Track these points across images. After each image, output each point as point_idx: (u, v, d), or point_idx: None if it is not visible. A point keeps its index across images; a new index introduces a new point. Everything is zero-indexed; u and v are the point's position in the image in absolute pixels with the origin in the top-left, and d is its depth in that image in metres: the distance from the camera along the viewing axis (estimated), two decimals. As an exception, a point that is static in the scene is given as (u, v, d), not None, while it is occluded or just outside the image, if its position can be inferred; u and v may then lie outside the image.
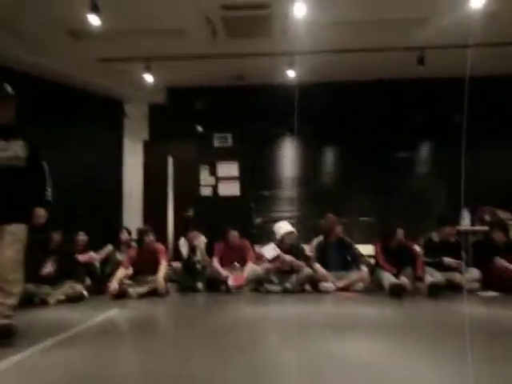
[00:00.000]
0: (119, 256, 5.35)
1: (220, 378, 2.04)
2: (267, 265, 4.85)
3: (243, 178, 6.81)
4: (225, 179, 6.82)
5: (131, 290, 4.59)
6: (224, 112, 6.83)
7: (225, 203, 6.66)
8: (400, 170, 6.71)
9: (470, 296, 4.32)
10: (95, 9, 4.16)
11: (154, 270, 4.71)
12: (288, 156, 6.95)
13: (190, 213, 6.69)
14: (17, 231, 2.74)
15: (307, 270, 4.76)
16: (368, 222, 6.54)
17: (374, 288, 4.63)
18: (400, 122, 6.68)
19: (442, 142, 6.62)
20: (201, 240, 5.28)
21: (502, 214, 5.94)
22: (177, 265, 5.26)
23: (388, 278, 4.45)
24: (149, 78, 5.82)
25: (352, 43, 5.40)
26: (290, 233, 4.95)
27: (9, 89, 2.86)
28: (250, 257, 5.12)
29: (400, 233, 4.75)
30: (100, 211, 5.94)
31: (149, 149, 6.98)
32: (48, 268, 4.40)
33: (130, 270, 4.80)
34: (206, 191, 6.83)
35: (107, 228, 5.72)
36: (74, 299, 4.32)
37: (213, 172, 6.86)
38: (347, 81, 6.47)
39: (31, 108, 5.50)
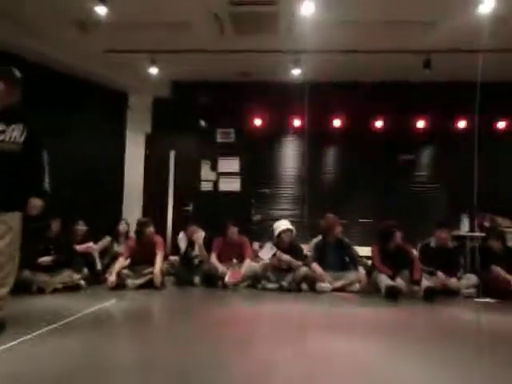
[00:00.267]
0: (117, 247, 5.36)
1: (214, 371, 2.05)
2: (265, 261, 4.87)
3: (244, 175, 6.82)
4: (226, 175, 6.83)
5: (129, 281, 4.61)
6: (227, 107, 6.82)
7: (225, 199, 6.67)
8: (401, 173, 6.71)
9: (466, 301, 4.34)
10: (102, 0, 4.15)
11: (152, 261, 4.74)
12: (290, 154, 6.95)
13: (190, 207, 6.70)
14: (9, 221, 2.63)
15: (304, 269, 4.77)
16: (367, 223, 6.55)
17: (371, 290, 4.64)
18: (403, 125, 6.67)
19: (445, 147, 6.62)
20: (200, 235, 5.29)
21: (502, 221, 5.94)
22: (174, 258, 5.27)
23: (384, 280, 4.45)
24: (154, 70, 5.81)
25: (358, 44, 5.39)
26: (287, 230, 4.95)
27: (17, 73, 2.83)
28: (248, 253, 5.12)
29: (398, 236, 4.75)
30: (100, 202, 5.94)
31: (151, 142, 6.98)
32: (48, 258, 4.42)
33: (129, 261, 4.81)
34: (206, 186, 6.84)
35: (107, 219, 5.72)
36: (71, 288, 4.34)
37: (214, 167, 6.86)
38: (352, 81, 6.45)
39: (35, 97, 5.49)
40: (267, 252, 4.88)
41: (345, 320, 3.44)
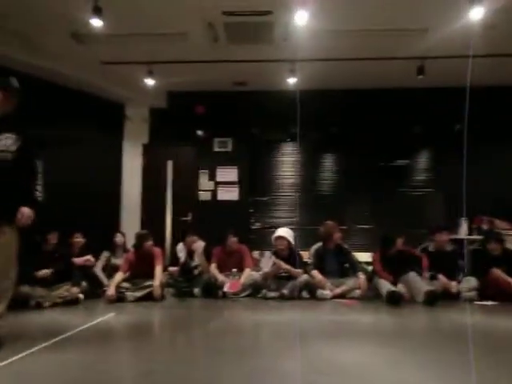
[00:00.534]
0: (114, 260, 5.32)
1: (216, 382, 2.03)
2: (265, 270, 4.86)
3: (242, 184, 6.82)
4: (224, 184, 6.83)
5: (128, 294, 4.57)
6: (224, 117, 6.85)
7: (223, 208, 6.66)
8: (399, 178, 6.74)
9: (466, 305, 4.33)
10: (98, 12, 4.17)
11: (151, 273, 4.70)
12: (288, 162, 6.97)
13: (189, 217, 6.69)
14: (4, 235, 2.58)
15: (305, 277, 4.75)
16: (366, 229, 6.55)
17: (372, 295, 4.62)
18: (400, 131, 6.72)
19: (441, 151, 6.66)
20: (199, 245, 5.27)
21: (500, 224, 5.95)
22: (174, 269, 5.24)
23: (385, 285, 4.44)
24: (150, 81, 5.84)
25: (353, 52, 5.44)
26: (280, 238, 4.93)
27: (15, 83, 2.83)
28: (248, 263, 5.10)
29: (399, 242, 4.75)
30: (98, 214, 5.92)
31: (148, 152, 6.98)
32: (45, 270, 4.38)
33: (127, 274, 4.78)
34: (204, 196, 6.84)
35: (104, 231, 5.69)
36: (69, 302, 4.29)
37: (212, 177, 6.87)
38: (348, 89, 6.51)
39: (31, 108, 5.51)
40: (267, 261, 4.87)
41: (346, 327, 3.42)
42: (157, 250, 4.95)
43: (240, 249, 5.20)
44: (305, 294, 4.78)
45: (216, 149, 6.92)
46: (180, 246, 5.39)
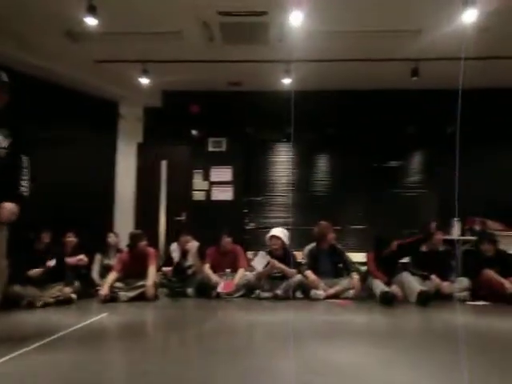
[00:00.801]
0: (107, 260, 5.29)
1: (209, 382, 2.03)
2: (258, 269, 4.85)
3: (237, 183, 6.82)
4: (218, 184, 6.82)
5: (121, 294, 4.55)
6: (219, 117, 6.84)
7: (218, 208, 6.65)
8: (393, 179, 6.78)
9: (459, 305, 4.36)
10: (92, 10, 4.15)
11: (144, 273, 4.68)
12: (282, 162, 6.97)
13: (183, 217, 6.67)
14: None
15: (298, 277, 4.75)
16: (360, 229, 6.58)
17: (366, 296, 4.64)
18: (394, 132, 6.76)
19: (434, 153, 6.70)
20: (193, 245, 5.25)
21: (492, 225, 6.00)
22: (167, 269, 5.21)
23: (379, 286, 4.46)
24: (144, 80, 5.81)
25: (348, 53, 5.46)
26: (274, 237, 4.94)
27: (5, 77, 2.79)
28: (241, 263, 5.09)
29: (395, 244, 4.77)
30: (91, 213, 5.88)
31: (142, 151, 6.94)
32: (38, 270, 4.35)
33: (121, 274, 4.76)
34: (198, 196, 6.82)
35: (97, 231, 5.65)
36: (62, 302, 4.26)
37: (206, 176, 6.85)
38: (342, 90, 6.53)
39: (24, 106, 5.47)
40: (260, 261, 4.86)
41: (340, 327, 3.42)
42: (151, 250, 4.94)
43: (234, 249, 5.19)
44: (298, 294, 4.78)
45: (210, 148, 6.91)
46: (174, 246, 5.37)
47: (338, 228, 5.57)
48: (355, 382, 2.07)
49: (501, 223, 6.10)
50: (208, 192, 6.82)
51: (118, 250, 5.35)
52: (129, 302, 4.50)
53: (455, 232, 6.17)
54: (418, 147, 6.86)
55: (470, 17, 4.19)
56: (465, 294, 4.56)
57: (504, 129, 6.55)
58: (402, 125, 6.75)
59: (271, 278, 4.84)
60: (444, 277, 4.69)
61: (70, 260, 4.89)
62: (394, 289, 4.43)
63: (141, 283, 4.64)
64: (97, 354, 2.59)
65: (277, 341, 2.99)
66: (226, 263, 5.09)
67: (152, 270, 4.75)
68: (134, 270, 4.76)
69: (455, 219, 6.14)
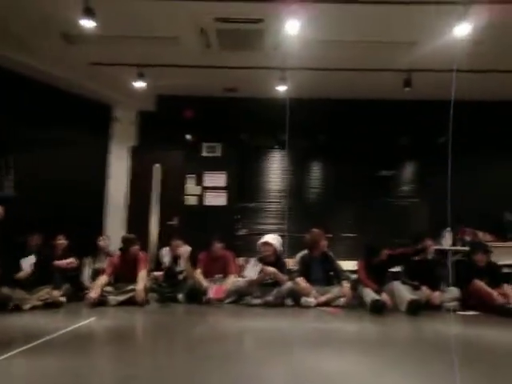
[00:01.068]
0: (97, 264, 5.24)
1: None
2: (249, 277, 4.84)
3: (230, 189, 6.81)
4: (211, 189, 6.81)
5: (111, 298, 4.51)
6: (214, 122, 6.85)
7: (210, 213, 6.64)
8: (385, 188, 6.83)
9: (448, 314, 4.37)
10: (89, 13, 4.15)
11: (135, 278, 4.65)
12: (276, 169, 6.99)
13: (175, 222, 6.64)
14: None
15: (290, 284, 4.74)
16: (352, 238, 6.60)
17: (356, 304, 4.64)
18: (386, 142, 6.82)
19: (427, 163, 6.77)
20: (184, 250, 5.22)
21: (483, 236, 6.06)
22: (158, 274, 5.18)
23: (369, 294, 4.47)
24: (139, 84, 5.81)
25: (342, 62, 5.51)
26: (266, 244, 4.93)
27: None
28: (232, 269, 5.08)
29: (384, 253, 4.78)
30: (82, 216, 5.84)
31: (136, 155, 6.92)
32: (26, 269, 4.29)
33: (111, 278, 4.72)
34: (191, 200, 6.80)
35: (88, 234, 5.60)
36: (50, 305, 4.21)
37: (199, 181, 6.84)
38: (337, 98, 6.59)
39: (19, 108, 5.45)
40: (252, 270, 4.84)
41: (330, 334, 3.42)
42: (142, 255, 4.90)
43: (225, 255, 5.18)
44: (289, 301, 4.77)
45: (204, 153, 6.91)
46: (165, 251, 5.34)
47: (330, 236, 5.57)
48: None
49: (491, 234, 6.16)
50: (201, 197, 6.81)
51: (109, 254, 5.31)
52: (118, 307, 4.45)
53: (446, 242, 6.22)
54: (411, 157, 6.93)
55: (463, 30, 4.26)
56: (455, 303, 4.58)
57: (496, 141, 6.64)
58: (395, 135, 6.82)
59: (262, 285, 4.82)
60: (434, 286, 4.71)
61: (60, 263, 4.85)
62: (384, 297, 4.44)
63: (131, 287, 4.60)
64: (84, 359, 2.55)
65: (267, 348, 2.97)
66: (217, 269, 5.07)
67: (143, 275, 4.71)
68: (124, 274, 4.72)
69: (447, 229, 6.19)
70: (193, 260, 5.16)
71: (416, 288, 4.62)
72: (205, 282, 4.90)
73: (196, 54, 5.38)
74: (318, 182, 6.95)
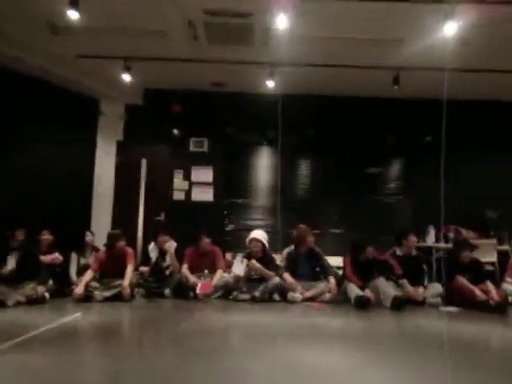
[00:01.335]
0: (83, 259, 5.19)
1: (184, 383, 2.02)
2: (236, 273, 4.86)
3: (217, 184, 6.80)
4: (199, 184, 6.79)
5: (97, 293, 4.48)
6: (202, 117, 6.82)
7: (197, 209, 6.62)
8: (372, 185, 6.90)
9: (431, 310, 4.46)
10: (74, 3, 4.07)
11: (121, 273, 4.62)
12: (263, 165, 7.00)
13: (162, 217, 6.61)
14: None
15: (276, 279, 4.78)
16: (338, 234, 6.67)
17: (341, 299, 4.70)
18: (374, 139, 6.88)
19: (413, 161, 6.85)
20: (171, 245, 5.21)
21: (466, 234, 6.18)
22: (144, 269, 5.16)
23: (354, 290, 4.53)
24: (127, 77, 5.74)
25: (331, 59, 5.54)
26: (254, 240, 4.95)
27: None
28: (220, 264, 5.08)
29: (369, 250, 4.84)
30: (68, 211, 5.77)
31: (122, 150, 6.85)
32: (10, 265, 4.23)
33: (97, 273, 4.68)
34: (178, 196, 6.77)
35: (74, 229, 5.54)
36: (35, 301, 4.16)
37: (187, 176, 6.81)
38: (325, 95, 6.61)
39: (2, 101, 5.34)
40: (238, 267, 4.85)
41: (315, 329, 3.46)
42: (129, 250, 4.88)
43: (213, 250, 5.18)
44: (276, 296, 4.81)
45: (192, 148, 6.88)
46: (152, 246, 5.32)
47: (317, 232, 5.62)
48: (328, 382, 2.10)
49: (474, 232, 6.28)
50: (188, 192, 6.78)
51: (95, 249, 5.26)
52: (104, 302, 4.43)
53: (430, 239, 6.33)
54: (397, 155, 7.00)
55: (450, 29, 4.31)
56: (438, 299, 4.67)
57: (482, 140, 6.76)
58: (383, 132, 6.88)
59: (249, 280, 4.84)
60: (417, 281, 4.79)
61: (45, 258, 4.79)
62: (368, 293, 4.50)
63: (117, 283, 4.58)
64: (70, 354, 2.54)
65: (253, 342, 3.00)
66: (205, 264, 5.07)
67: (130, 270, 4.69)
68: (110, 269, 4.69)
69: (430, 226, 6.30)
70: (179, 255, 5.14)
71: (399, 284, 4.69)
72: (191, 278, 4.90)
73: (184, 47, 5.33)
74: (306, 178, 6.99)
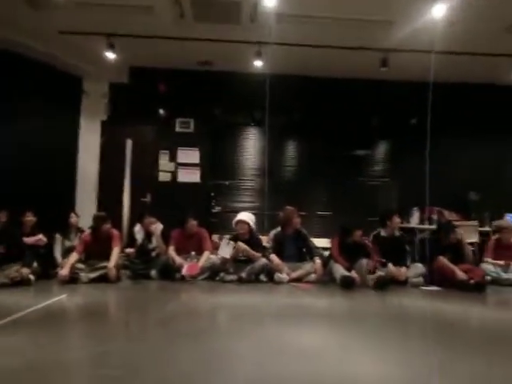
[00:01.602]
0: (67, 242, 5.14)
1: (170, 363, 2.04)
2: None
3: (204, 166, 6.75)
4: (185, 166, 6.73)
5: (82, 275, 4.46)
6: (188, 96, 6.71)
7: (184, 190, 6.58)
8: (359, 168, 6.94)
9: (413, 289, 4.58)
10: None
11: (107, 255, 4.60)
12: (251, 146, 6.96)
13: (147, 198, 6.55)
14: None
15: (263, 260, 4.82)
16: (325, 215, 6.73)
17: (327, 280, 4.78)
18: (361, 121, 6.88)
19: (398, 143, 6.90)
20: (157, 227, 5.19)
21: (449, 215, 6.30)
22: (130, 251, 5.14)
23: (340, 270, 4.60)
24: (111, 55, 5.58)
25: (319, 39, 5.47)
26: (241, 222, 4.97)
27: None
28: (206, 246, 5.09)
29: (357, 234, 4.89)
30: (51, 192, 5.67)
31: (107, 130, 6.72)
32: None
33: (83, 255, 4.65)
34: (164, 177, 6.71)
35: (58, 210, 5.46)
36: (19, 283, 4.12)
37: (173, 158, 6.74)
38: (312, 76, 6.55)
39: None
40: (225, 250, 4.85)
41: (301, 309, 3.52)
42: (115, 232, 4.84)
43: (199, 232, 5.17)
44: (263, 277, 4.86)
45: (178, 129, 6.78)
46: (137, 228, 5.28)
47: (304, 213, 5.65)
48: (315, 362, 2.15)
49: (456, 213, 6.41)
50: (174, 173, 6.72)
51: (79, 230, 5.21)
52: (89, 284, 4.41)
53: (414, 220, 6.44)
54: (383, 137, 7.03)
55: (438, 11, 4.29)
56: (419, 279, 4.79)
57: (467, 123, 6.81)
58: (369, 114, 6.88)
59: (236, 262, 4.87)
60: (400, 261, 4.89)
61: (29, 240, 4.72)
62: (353, 274, 4.58)
63: (103, 264, 4.56)
64: (55, 336, 2.54)
65: (240, 323, 3.03)
66: (191, 246, 5.07)
67: (116, 252, 4.67)
68: (96, 251, 4.66)
69: (415, 208, 6.40)
70: (165, 237, 5.13)
71: (383, 265, 4.79)
72: (178, 259, 4.90)
73: (170, 24, 5.20)
74: (293, 160, 6.98)
